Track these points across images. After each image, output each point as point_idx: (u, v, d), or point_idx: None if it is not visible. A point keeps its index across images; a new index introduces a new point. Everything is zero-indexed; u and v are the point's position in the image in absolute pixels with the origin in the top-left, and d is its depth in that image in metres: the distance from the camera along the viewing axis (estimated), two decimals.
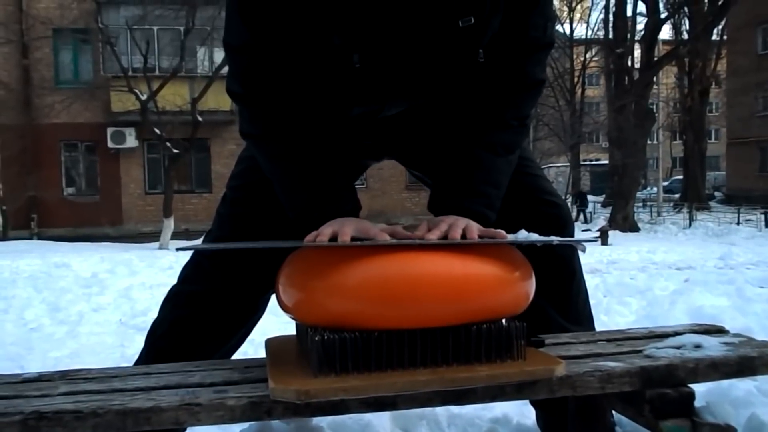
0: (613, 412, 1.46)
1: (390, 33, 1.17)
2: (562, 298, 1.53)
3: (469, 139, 1.29)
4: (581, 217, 22.12)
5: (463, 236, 1.13)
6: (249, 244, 1.34)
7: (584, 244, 1.30)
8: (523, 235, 1.17)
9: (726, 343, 1.29)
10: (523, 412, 1.81)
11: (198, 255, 1.51)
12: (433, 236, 1.12)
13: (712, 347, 1.25)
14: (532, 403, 1.66)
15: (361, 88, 1.26)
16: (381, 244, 1.09)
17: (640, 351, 1.26)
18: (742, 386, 1.80)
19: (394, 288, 1.04)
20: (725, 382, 1.71)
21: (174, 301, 1.51)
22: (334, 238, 1.11)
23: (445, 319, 1.06)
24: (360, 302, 1.04)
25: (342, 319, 1.05)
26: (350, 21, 1.15)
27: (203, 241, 1.54)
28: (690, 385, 1.17)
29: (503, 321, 1.10)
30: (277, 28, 1.20)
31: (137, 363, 1.50)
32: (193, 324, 1.46)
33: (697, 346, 1.26)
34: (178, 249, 1.29)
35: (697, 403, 1.17)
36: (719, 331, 1.45)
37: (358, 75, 1.21)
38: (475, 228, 1.15)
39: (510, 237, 1.16)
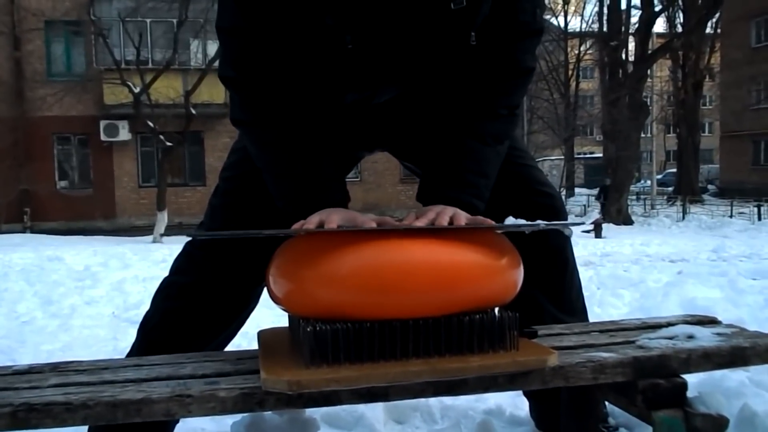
0: (606, 402, 1.46)
1: (383, 14, 1.17)
2: (555, 289, 1.53)
3: (459, 128, 1.29)
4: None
5: (450, 224, 1.13)
6: (236, 233, 1.34)
7: (571, 228, 1.31)
8: (509, 221, 1.17)
9: (718, 334, 1.29)
10: (516, 403, 1.81)
11: (190, 246, 1.50)
12: (421, 223, 1.12)
13: (705, 338, 1.25)
14: (525, 394, 1.67)
15: (353, 72, 1.25)
16: (368, 231, 1.09)
17: (633, 342, 1.26)
18: (734, 377, 1.81)
19: (383, 276, 1.03)
20: (717, 373, 1.72)
21: (166, 293, 1.50)
22: (320, 226, 1.11)
23: (437, 306, 1.06)
24: (350, 291, 1.03)
25: (333, 308, 1.04)
26: (343, 1, 1.15)
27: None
28: (682, 376, 1.17)
29: (495, 311, 1.10)
30: (270, 9, 1.19)
31: (129, 355, 1.49)
32: (185, 316, 1.45)
33: (690, 337, 1.26)
34: (162, 234, 1.29)
35: (689, 394, 1.17)
36: (712, 322, 1.45)
37: (350, 57, 1.21)
38: (462, 216, 1.15)
39: (496, 225, 1.17)
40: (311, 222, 1.12)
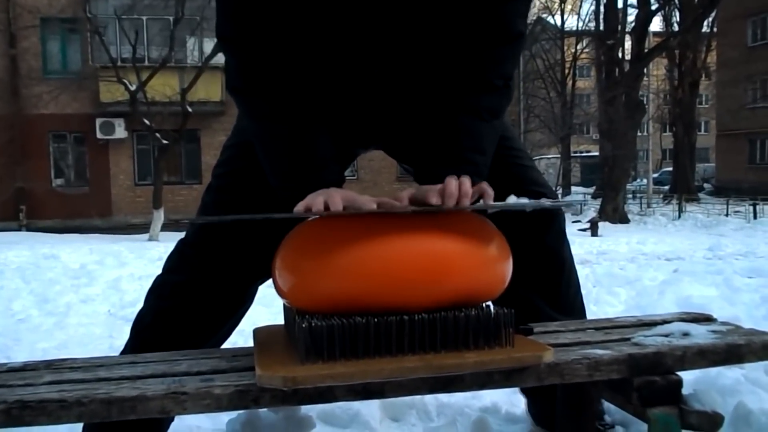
0: (602, 399, 1.46)
1: None
2: (552, 290, 1.52)
3: (454, 104, 1.26)
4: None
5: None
6: (241, 217, 1.32)
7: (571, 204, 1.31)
8: (511, 199, 1.17)
9: (714, 331, 1.29)
10: (512, 400, 1.81)
11: (182, 244, 1.49)
12: (434, 200, 1.11)
13: (700, 335, 1.26)
14: (522, 392, 1.67)
15: (349, 29, 1.24)
16: (371, 220, 1.09)
17: (629, 339, 1.26)
18: (729, 374, 1.81)
19: (379, 266, 1.05)
20: (713, 370, 1.72)
21: (158, 292, 1.49)
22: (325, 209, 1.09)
23: (432, 297, 1.07)
24: (349, 282, 1.05)
25: (331, 299, 1.06)
26: None
27: (188, 230, 1.52)
28: (678, 373, 1.17)
29: (491, 307, 1.10)
30: None
31: (123, 354, 1.48)
32: (178, 315, 1.44)
33: (685, 334, 1.26)
34: (160, 228, 1.29)
35: (684, 391, 1.17)
36: (707, 319, 1.45)
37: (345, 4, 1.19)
38: (468, 181, 1.14)
39: (499, 203, 1.18)
40: (317, 203, 1.09)
